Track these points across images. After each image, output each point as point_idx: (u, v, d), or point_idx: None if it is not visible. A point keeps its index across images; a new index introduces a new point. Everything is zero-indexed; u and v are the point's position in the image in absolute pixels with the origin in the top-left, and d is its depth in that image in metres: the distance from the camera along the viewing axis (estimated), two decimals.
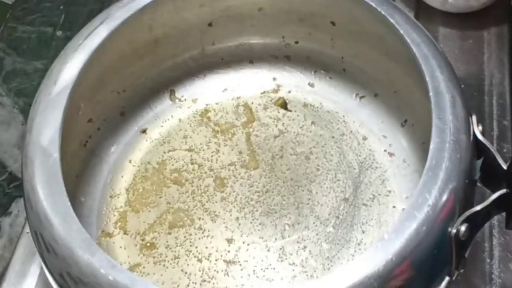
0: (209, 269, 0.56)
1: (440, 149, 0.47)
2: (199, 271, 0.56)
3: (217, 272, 0.55)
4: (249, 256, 0.56)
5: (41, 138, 0.50)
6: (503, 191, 0.48)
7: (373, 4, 0.55)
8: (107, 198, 0.60)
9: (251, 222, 0.58)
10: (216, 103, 0.65)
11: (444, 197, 0.46)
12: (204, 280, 0.55)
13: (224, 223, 0.58)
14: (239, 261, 0.56)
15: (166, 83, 0.65)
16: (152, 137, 0.63)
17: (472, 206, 0.47)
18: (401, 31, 0.53)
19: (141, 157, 0.62)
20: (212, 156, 0.62)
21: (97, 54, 0.55)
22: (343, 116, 0.63)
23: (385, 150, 0.61)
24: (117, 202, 0.60)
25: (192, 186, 0.60)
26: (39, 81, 0.57)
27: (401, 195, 0.58)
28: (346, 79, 0.64)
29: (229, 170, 0.61)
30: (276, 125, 0.63)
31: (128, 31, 0.57)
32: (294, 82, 0.65)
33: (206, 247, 0.57)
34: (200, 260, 0.56)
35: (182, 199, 0.59)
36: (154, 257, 0.56)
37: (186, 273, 0.56)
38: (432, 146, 0.47)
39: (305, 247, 0.56)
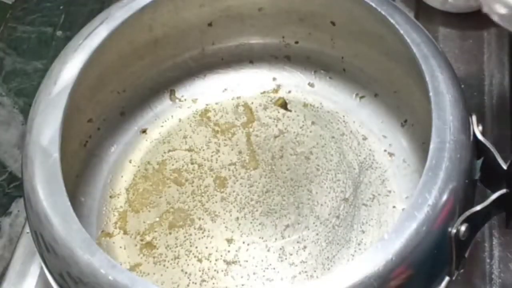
0: (209, 269, 0.56)
1: (440, 149, 0.47)
2: (199, 271, 0.56)
3: (217, 272, 0.55)
4: (249, 256, 0.56)
5: (41, 138, 0.50)
6: (503, 191, 0.48)
7: (373, 4, 0.55)
8: (107, 198, 0.60)
9: (251, 222, 0.58)
10: (216, 103, 0.65)
11: (444, 197, 0.46)
12: (204, 280, 0.55)
13: (224, 223, 0.58)
14: (239, 261, 0.56)
15: (166, 83, 0.65)
16: (152, 137, 0.63)
17: (472, 206, 0.47)
18: (401, 31, 0.53)
19: (141, 157, 0.62)
20: (212, 156, 0.62)
21: (97, 54, 0.54)
22: (343, 116, 0.63)
23: (385, 150, 0.61)
24: (117, 202, 0.60)
25: (192, 186, 0.60)
26: (39, 81, 0.57)
27: (401, 195, 0.58)
28: (346, 79, 0.64)
29: (229, 170, 0.61)
30: (276, 125, 0.63)
31: (128, 31, 0.57)
32: (294, 82, 0.65)
33: (206, 247, 0.57)
34: (200, 260, 0.56)
35: (182, 199, 0.59)
36: (154, 257, 0.56)
37: (186, 273, 0.56)
38: (432, 146, 0.47)
39: (305, 247, 0.56)
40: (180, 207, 0.59)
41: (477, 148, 0.49)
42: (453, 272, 0.48)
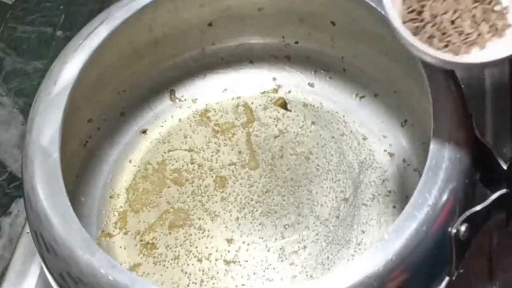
0: (209, 269, 0.56)
1: (440, 149, 0.47)
2: (199, 271, 0.56)
3: (217, 272, 0.55)
4: (249, 256, 0.56)
5: (41, 138, 0.50)
6: (503, 191, 0.48)
7: (373, 4, 0.55)
8: (107, 198, 0.60)
9: (251, 222, 0.58)
10: (216, 103, 0.65)
11: (444, 197, 0.46)
12: (204, 280, 0.55)
13: (224, 223, 0.58)
14: (239, 261, 0.56)
15: (166, 83, 0.65)
16: (152, 137, 0.63)
17: (472, 206, 0.47)
18: None
19: (141, 157, 0.62)
20: (212, 156, 0.62)
21: (97, 54, 0.54)
22: (343, 116, 0.63)
23: (385, 150, 0.61)
24: (117, 202, 0.60)
25: (192, 186, 0.60)
26: (39, 81, 0.57)
27: (401, 195, 0.58)
28: (346, 79, 0.64)
29: (229, 170, 0.61)
30: (276, 125, 0.63)
31: (128, 31, 0.57)
32: (294, 82, 0.65)
33: (206, 247, 0.57)
34: (200, 260, 0.56)
35: (182, 199, 0.59)
36: (154, 257, 0.56)
37: (186, 273, 0.56)
38: (432, 146, 0.47)
39: (305, 247, 0.56)
40: (180, 207, 0.59)
41: (477, 148, 0.49)
42: (453, 272, 0.48)
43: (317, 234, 0.57)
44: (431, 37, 0.46)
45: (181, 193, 0.60)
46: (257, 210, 0.58)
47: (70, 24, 0.77)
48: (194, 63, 0.65)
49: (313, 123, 0.63)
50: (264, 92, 0.65)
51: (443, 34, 0.46)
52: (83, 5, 0.78)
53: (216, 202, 0.59)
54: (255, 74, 0.66)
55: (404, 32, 0.46)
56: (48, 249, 0.47)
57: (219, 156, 0.61)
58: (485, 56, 0.46)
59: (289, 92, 0.65)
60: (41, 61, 0.74)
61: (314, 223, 0.57)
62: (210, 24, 0.63)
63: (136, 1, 0.57)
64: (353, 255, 0.55)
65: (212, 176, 0.60)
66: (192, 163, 0.61)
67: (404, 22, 0.47)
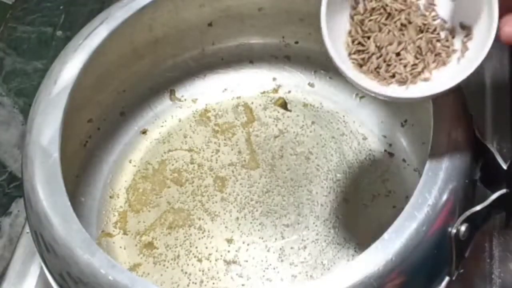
0: (209, 269, 0.56)
1: (440, 149, 0.47)
2: (199, 271, 0.56)
3: (217, 272, 0.55)
4: (249, 256, 0.56)
5: (41, 138, 0.50)
6: (503, 191, 0.48)
7: None
8: (107, 198, 0.60)
9: (251, 222, 0.58)
10: (216, 103, 0.65)
11: (444, 197, 0.46)
12: (204, 280, 0.55)
13: (224, 223, 0.58)
14: (239, 261, 0.56)
15: (166, 83, 0.65)
16: (152, 137, 0.63)
17: (472, 206, 0.47)
18: None
19: (141, 157, 0.62)
20: (212, 156, 0.62)
21: (97, 54, 0.54)
22: (343, 116, 0.63)
23: (385, 150, 0.61)
24: (117, 202, 0.60)
25: (192, 186, 0.60)
26: (39, 81, 0.57)
27: (401, 195, 0.58)
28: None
29: (229, 170, 0.61)
30: (276, 125, 0.63)
31: (128, 31, 0.57)
32: (294, 82, 0.65)
33: (206, 247, 0.57)
34: (200, 260, 0.56)
35: (182, 199, 0.59)
36: (154, 257, 0.56)
37: (186, 273, 0.56)
38: (432, 146, 0.47)
39: (305, 247, 0.56)
40: (180, 207, 0.59)
41: (477, 148, 0.49)
42: (453, 272, 0.48)
43: (317, 234, 0.57)
44: (377, 68, 0.46)
45: (181, 193, 0.60)
46: (257, 210, 0.58)
47: (70, 24, 0.77)
48: (194, 63, 0.65)
49: (313, 123, 0.63)
50: (264, 92, 0.65)
51: (389, 65, 0.46)
52: (83, 5, 0.78)
53: (216, 202, 0.59)
54: (255, 74, 0.66)
55: (347, 70, 0.45)
56: (48, 249, 0.47)
57: (219, 156, 0.61)
58: (431, 88, 0.45)
59: (289, 92, 0.65)
60: (41, 61, 0.74)
61: (314, 223, 0.57)
62: (210, 24, 0.64)
63: (136, 1, 0.57)
64: (353, 255, 0.55)
65: (212, 176, 0.60)
66: (192, 163, 0.61)
67: (350, 54, 0.47)
